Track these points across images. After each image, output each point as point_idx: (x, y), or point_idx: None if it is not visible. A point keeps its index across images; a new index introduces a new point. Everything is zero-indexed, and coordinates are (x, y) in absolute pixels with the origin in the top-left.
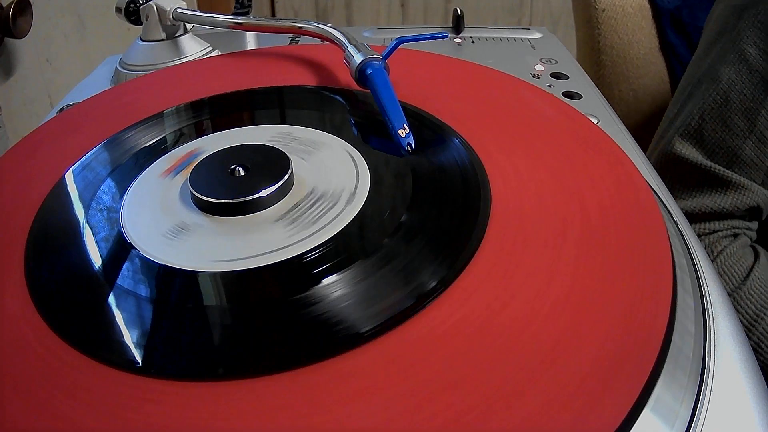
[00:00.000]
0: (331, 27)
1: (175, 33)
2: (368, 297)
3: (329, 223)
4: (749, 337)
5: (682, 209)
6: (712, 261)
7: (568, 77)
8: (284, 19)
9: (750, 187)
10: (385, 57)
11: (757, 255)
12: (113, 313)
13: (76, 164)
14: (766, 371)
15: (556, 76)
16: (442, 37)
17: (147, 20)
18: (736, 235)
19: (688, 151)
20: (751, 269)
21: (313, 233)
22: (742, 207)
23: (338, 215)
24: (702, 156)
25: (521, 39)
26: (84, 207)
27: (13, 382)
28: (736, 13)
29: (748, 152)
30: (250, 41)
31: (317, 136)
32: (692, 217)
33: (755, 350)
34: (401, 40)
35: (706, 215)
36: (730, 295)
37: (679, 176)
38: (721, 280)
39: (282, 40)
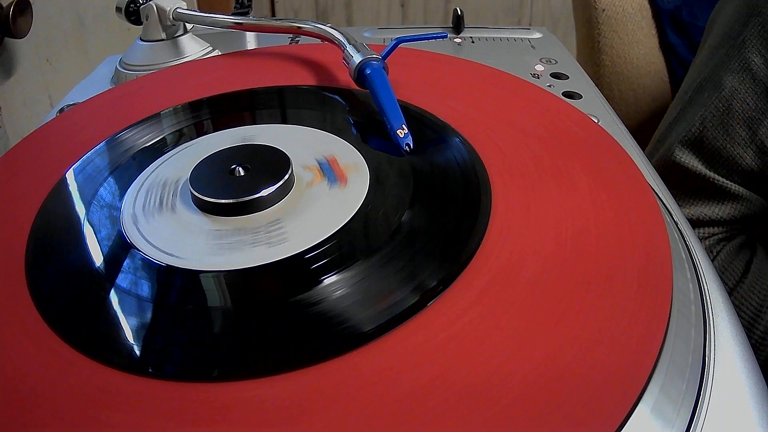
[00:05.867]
0: (330, 27)
1: (175, 33)
2: (369, 296)
3: (329, 223)
4: (751, 335)
5: None
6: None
7: (568, 77)
8: (284, 19)
9: (748, 197)
10: (384, 57)
11: (753, 249)
12: (114, 313)
13: (77, 164)
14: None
15: (556, 76)
16: (442, 37)
17: (147, 20)
18: (732, 236)
19: (687, 158)
20: (749, 264)
21: (313, 233)
22: (739, 216)
23: (338, 215)
24: (701, 165)
25: (521, 39)
26: (85, 206)
27: (13, 382)
28: (742, 20)
29: (749, 162)
30: (250, 41)
31: (316, 134)
32: (689, 223)
33: (758, 347)
34: (400, 40)
35: (703, 222)
36: (730, 293)
37: (677, 183)
38: (720, 279)
39: (282, 40)
